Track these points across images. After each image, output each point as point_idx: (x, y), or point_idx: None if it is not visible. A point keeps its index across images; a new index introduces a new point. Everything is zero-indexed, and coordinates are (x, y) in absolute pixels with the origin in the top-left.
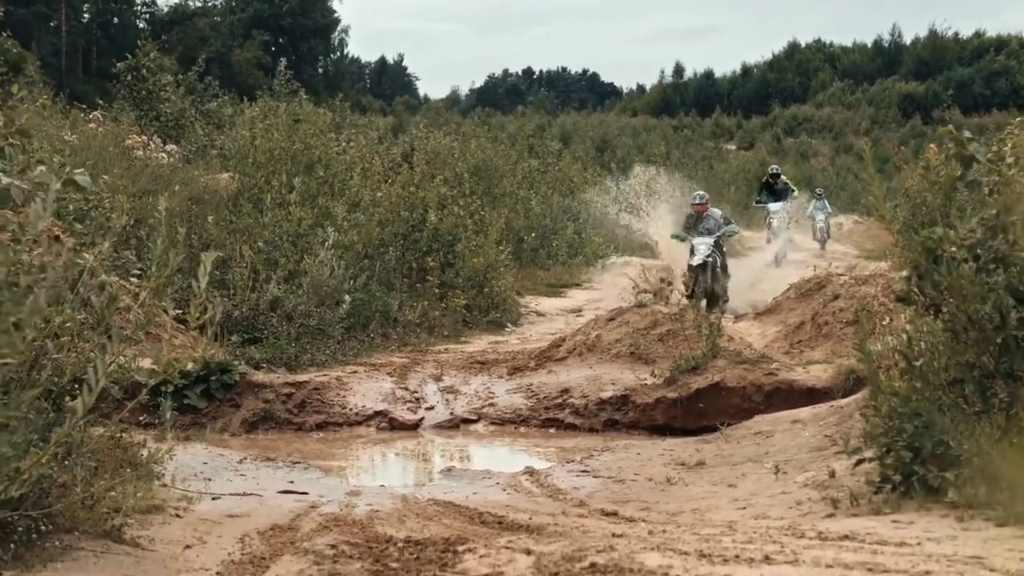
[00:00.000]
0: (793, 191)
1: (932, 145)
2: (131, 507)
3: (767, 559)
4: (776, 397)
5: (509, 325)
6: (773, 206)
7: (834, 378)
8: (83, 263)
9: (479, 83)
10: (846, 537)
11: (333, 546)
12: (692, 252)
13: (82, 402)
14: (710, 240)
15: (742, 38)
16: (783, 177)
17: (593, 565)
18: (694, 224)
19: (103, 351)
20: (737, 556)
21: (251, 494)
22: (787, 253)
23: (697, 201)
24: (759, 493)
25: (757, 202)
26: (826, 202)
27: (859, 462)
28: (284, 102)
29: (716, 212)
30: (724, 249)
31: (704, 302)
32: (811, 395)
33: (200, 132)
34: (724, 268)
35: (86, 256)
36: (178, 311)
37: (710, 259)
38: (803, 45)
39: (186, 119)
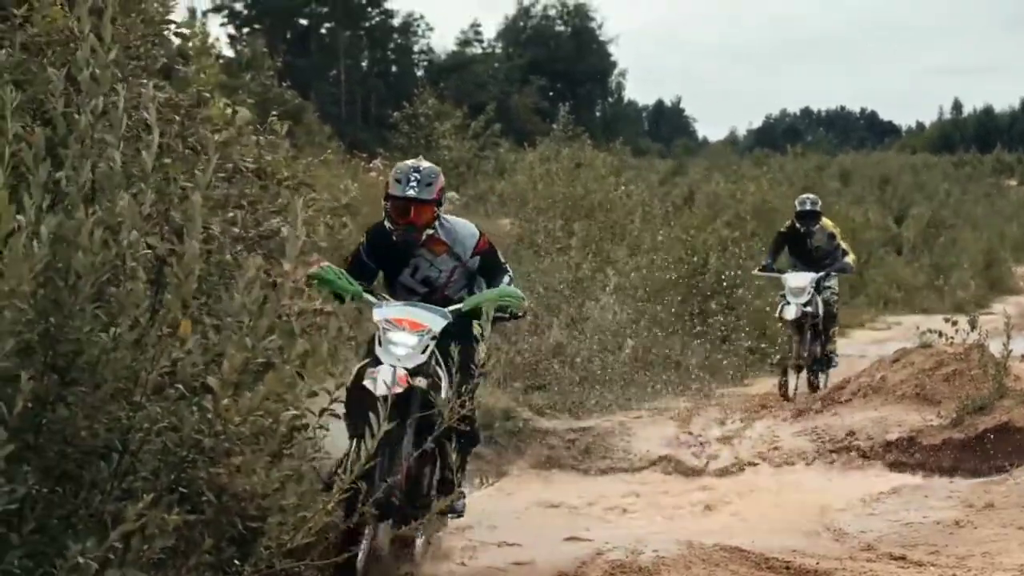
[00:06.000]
0: (844, 251)
1: None
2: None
3: None
4: None
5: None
6: (794, 280)
7: None
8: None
9: (757, 124)
10: None
11: None
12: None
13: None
14: (416, 342)
15: (1021, 73)
16: (825, 222)
17: None
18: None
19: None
20: None
21: (536, 541)
22: (824, 380)
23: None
24: None
25: (765, 268)
26: None
27: None
28: (566, 147)
29: (465, 232)
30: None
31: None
32: None
33: (479, 179)
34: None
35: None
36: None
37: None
38: None
39: (470, 166)
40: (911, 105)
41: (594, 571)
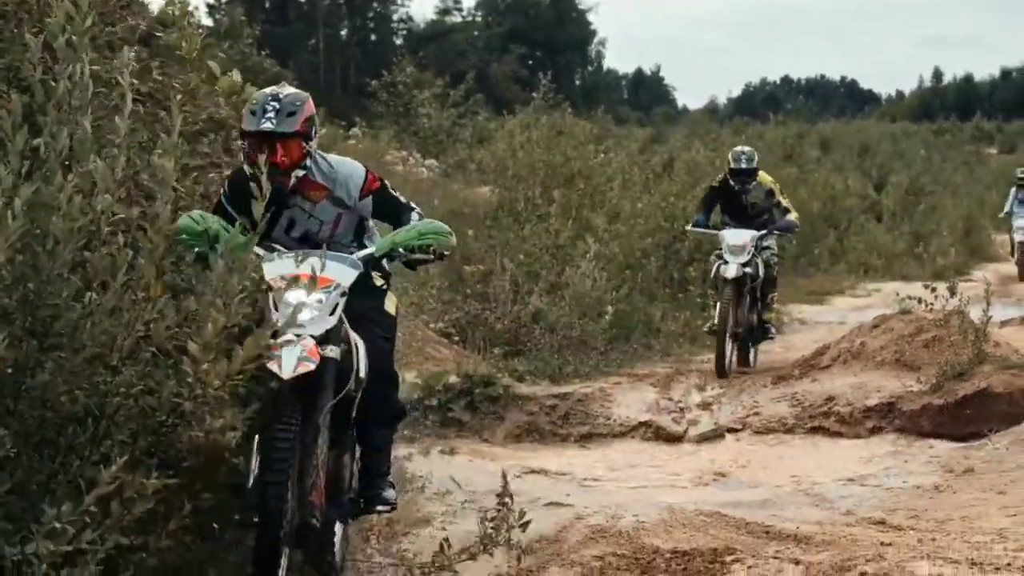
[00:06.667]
0: (786, 209)
1: None
2: (399, 521)
3: None
4: None
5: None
6: (733, 237)
7: None
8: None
9: (736, 92)
10: None
11: (600, 558)
12: None
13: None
14: (323, 301)
15: (1002, 44)
16: (763, 176)
17: (863, 575)
18: None
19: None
20: (1009, 564)
21: (516, 507)
22: (754, 354)
23: None
24: None
25: (697, 224)
26: None
27: None
28: (546, 115)
29: (348, 171)
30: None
31: None
32: None
33: (459, 147)
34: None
35: None
36: (441, 324)
37: None
38: None
39: (449, 134)
40: (891, 74)
41: (574, 536)
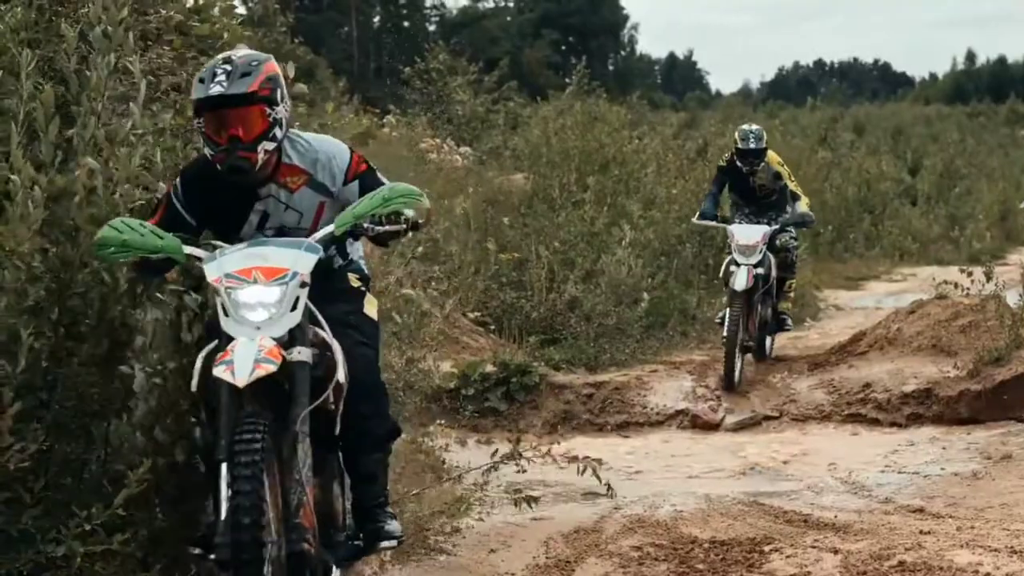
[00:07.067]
0: (795, 195)
1: None
2: (434, 512)
3: None
4: None
5: (808, 320)
6: (743, 235)
7: None
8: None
9: (769, 76)
10: None
11: (638, 548)
12: None
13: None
14: (279, 296)
15: None
16: (771, 156)
17: (902, 563)
18: None
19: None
20: None
21: (554, 496)
22: (771, 345)
23: None
24: None
25: (704, 215)
26: None
27: None
28: (581, 100)
29: (330, 151)
30: None
31: None
32: None
33: (493, 134)
34: None
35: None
36: (476, 313)
37: None
38: None
39: (483, 121)
40: (924, 56)
41: (612, 526)
